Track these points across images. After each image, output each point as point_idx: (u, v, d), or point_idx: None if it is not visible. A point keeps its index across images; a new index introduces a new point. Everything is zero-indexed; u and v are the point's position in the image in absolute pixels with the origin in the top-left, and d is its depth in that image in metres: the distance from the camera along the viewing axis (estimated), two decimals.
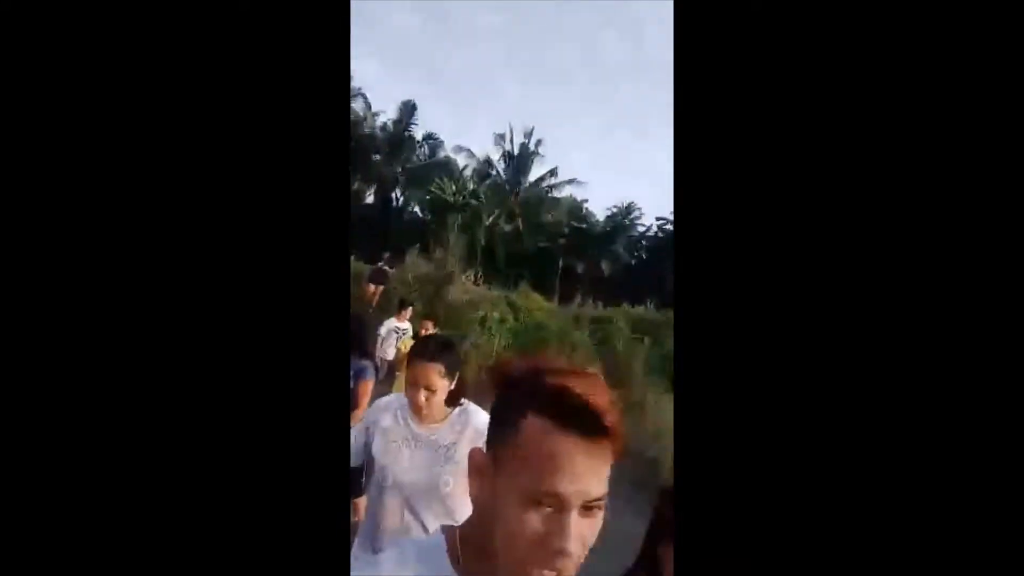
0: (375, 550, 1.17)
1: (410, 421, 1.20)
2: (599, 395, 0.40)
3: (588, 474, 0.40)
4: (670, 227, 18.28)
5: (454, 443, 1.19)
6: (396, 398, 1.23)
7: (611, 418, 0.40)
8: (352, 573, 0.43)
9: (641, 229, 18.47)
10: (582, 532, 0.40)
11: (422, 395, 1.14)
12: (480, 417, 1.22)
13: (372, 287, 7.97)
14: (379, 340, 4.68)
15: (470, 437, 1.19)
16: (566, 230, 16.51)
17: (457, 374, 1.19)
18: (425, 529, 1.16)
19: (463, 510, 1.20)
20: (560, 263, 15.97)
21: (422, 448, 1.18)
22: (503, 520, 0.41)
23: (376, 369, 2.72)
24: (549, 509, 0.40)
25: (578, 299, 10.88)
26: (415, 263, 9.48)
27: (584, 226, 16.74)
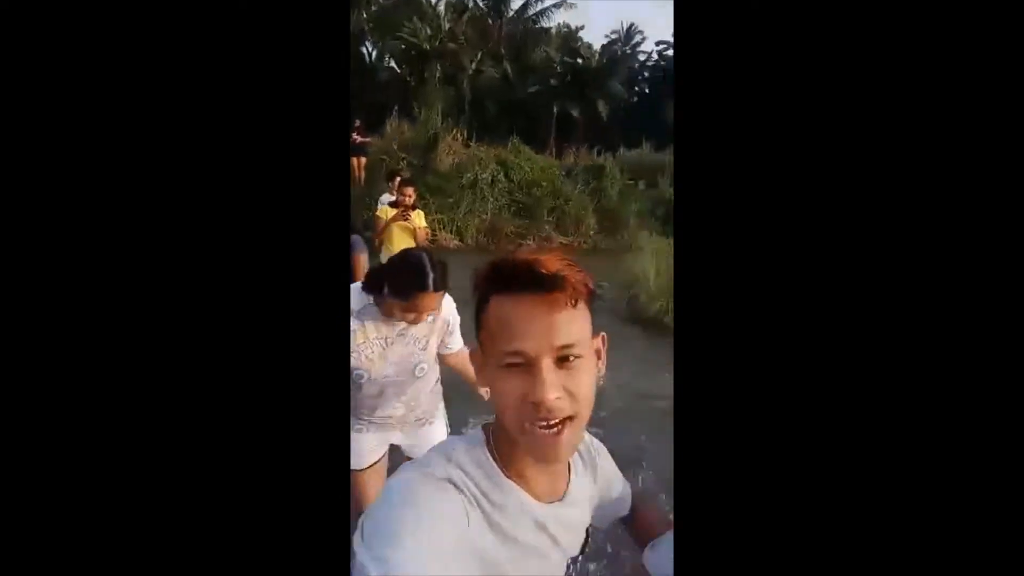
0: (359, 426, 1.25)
1: (378, 321, 1.14)
2: (546, 258, 0.43)
3: (546, 326, 0.42)
4: (671, 52, 16.35)
5: (426, 336, 1.20)
6: (361, 297, 1.15)
7: (557, 272, 0.42)
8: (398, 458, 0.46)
9: (642, 58, 16.61)
10: (561, 381, 0.42)
11: (427, 317, 1.11)
12: (449, 307, 1.23)
13: (354, 161, 7.67)
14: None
15: (440, 328, 1.22)
16: (558, 68, 14.94)
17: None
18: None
19: (431, 393, 1.30)
20: (555, 108, 14.85)
21: (397, 344, 1.17)
22: (494, 391, 0.45)
23: (367, 242, 2.77)
24: (521, 365, 0.43)
25: (573, 149, 10.41)
26: (397, 127, 8.96)
27: (578, 61, 15.05)
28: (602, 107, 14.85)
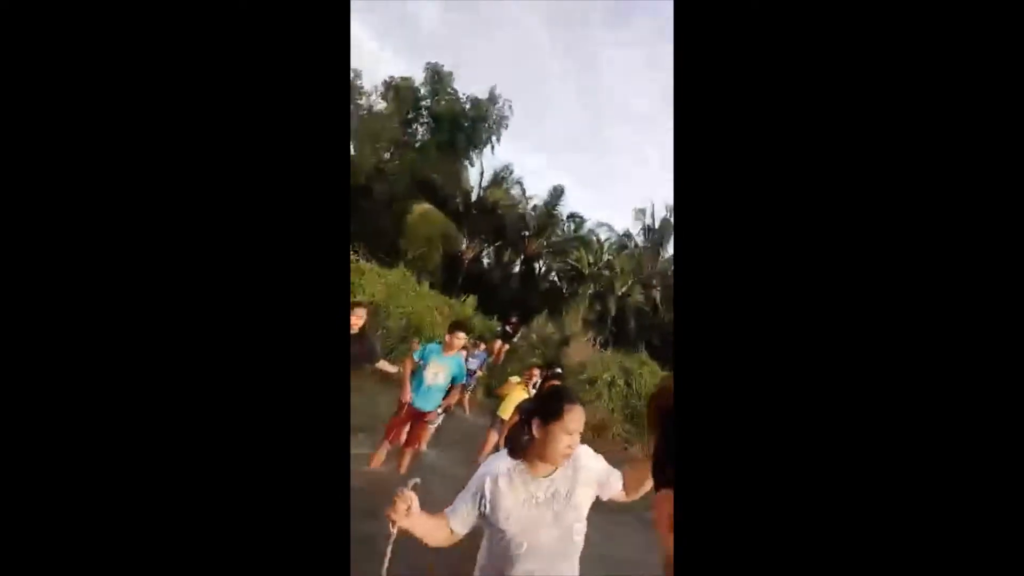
0: None
1: (526, 479, 1.18)
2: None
3: None
4: None
5: (570, 489, 1.20)
6: (503, 459, 1.22)
7: None
8: None
9: None
10: None
11: (572, 441, 1.17)
12: (585, 456, 1.26)
13: (498, 344, 8.94)
14: None
15: (584, 479, 1.22)
16: None
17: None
18: None
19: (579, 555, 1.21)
20: None
21: (544, 506, 1.17)
22: None
23: None
24: None
25: None
26: (543, 324, 10.60)
27: None
28: None
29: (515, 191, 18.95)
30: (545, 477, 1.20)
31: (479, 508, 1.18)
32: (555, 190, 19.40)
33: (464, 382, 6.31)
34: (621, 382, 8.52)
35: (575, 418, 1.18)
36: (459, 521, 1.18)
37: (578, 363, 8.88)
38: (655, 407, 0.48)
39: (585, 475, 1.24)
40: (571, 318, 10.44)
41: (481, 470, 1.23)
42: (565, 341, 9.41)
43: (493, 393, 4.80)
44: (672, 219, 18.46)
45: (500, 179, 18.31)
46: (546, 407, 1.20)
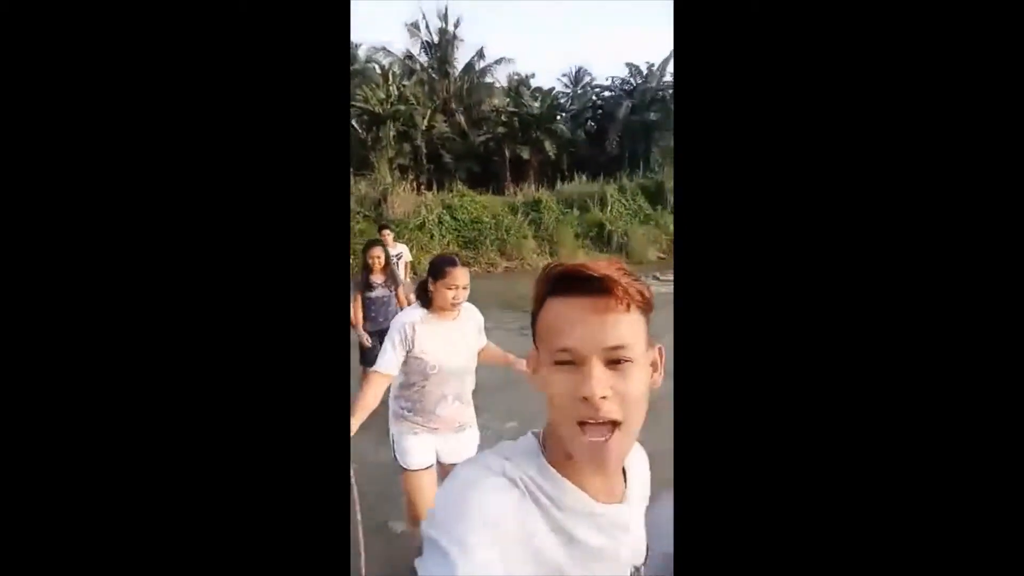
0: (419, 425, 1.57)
1: (434, 323, 1.55)
2: (600, 266, 0.45)
3: (595, 326, 0.44)
4: (607, 94, 17.96)
5: (466, 330, 1.63)
6: (416, 310, 1.57)
7: (608, 276, 0.44)
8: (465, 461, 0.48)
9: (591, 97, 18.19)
10: (610, 381, 0.43)
11: (455, 294, 1.52)
12: (476, 311, 1.68)
13: None
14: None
15: (473, 321, 1.66)
16: (504, 117, 16.31)
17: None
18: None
19: (469, 399, 1.66)
20: (507, 153, 16.09)
21: (453, 334, 1.58)
22: (545, 390, 0.46)
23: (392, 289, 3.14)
24: (571, 364, 0.44)
25: (518, 187, 11.48)
26: (355, 186, 9.88)
27: (519, 110, 16.47)
28: (549, 146, 16.12)
29: None
30: (449, 320, 1.59)
31: (405, 349, 1.53)
32: None
33: None
34: (448, 217, 8.89)
35: (456, 275, 1.53)
36: (389, 363, 1.52)
37: (403, 213, 8.83)
38: (541, 278, 0.49)
39: (475, 320, 1.68)
40: (381, 171, 9.86)
41: (397, 320, 1.56)
42: (384, 196, 9.06)
43: None
44: (452, 29, 16.99)
45: None
46: (436, 270, 1.56)
